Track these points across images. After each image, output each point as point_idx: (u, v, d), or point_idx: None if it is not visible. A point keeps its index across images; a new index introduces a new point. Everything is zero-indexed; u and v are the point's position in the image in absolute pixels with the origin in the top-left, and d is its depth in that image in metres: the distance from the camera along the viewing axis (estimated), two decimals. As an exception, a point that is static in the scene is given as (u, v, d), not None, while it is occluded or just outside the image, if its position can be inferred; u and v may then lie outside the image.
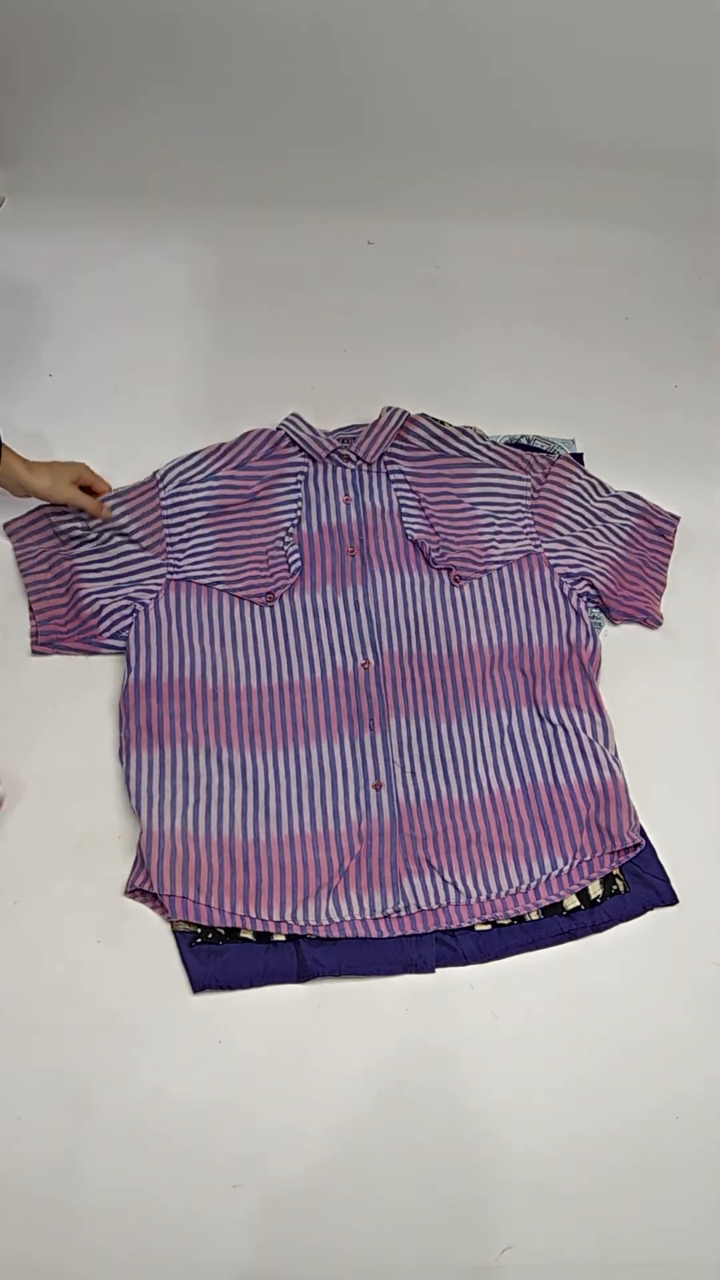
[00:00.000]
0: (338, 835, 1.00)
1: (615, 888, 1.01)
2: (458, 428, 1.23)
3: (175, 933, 0.96)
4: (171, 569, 1.12)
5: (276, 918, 0.96)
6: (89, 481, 1.14)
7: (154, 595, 1.10)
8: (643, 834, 1.04)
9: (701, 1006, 0.97)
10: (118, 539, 1.12)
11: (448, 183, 1.60)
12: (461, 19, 1.46)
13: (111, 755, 1.05)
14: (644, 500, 1.24)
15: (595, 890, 1.01)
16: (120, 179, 1.56)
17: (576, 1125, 0.91)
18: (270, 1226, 0.85)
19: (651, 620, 1.19)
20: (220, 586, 1.11)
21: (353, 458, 1.21)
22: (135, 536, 1.12)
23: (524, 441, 1.31)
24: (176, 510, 1.16)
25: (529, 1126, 0.90)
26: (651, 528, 1.23)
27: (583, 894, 1.00)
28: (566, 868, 1.01)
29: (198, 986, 0.93)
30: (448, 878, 0.99)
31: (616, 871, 1.02)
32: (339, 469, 1.21)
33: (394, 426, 1.22)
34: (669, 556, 1.23)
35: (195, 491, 1.17)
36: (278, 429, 1.22)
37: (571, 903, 1.00)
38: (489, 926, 0.99)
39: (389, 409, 1.23)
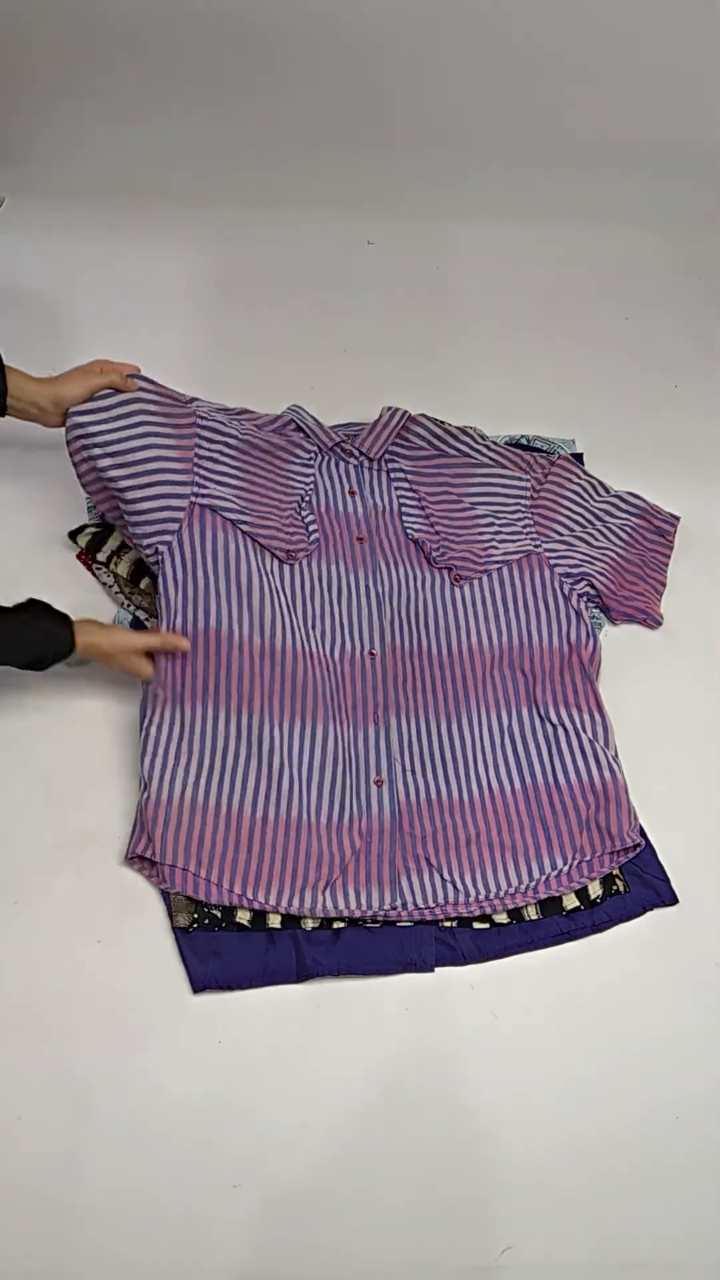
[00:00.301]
0: (339, 829, 1.00)
1: (615, 888, 1.01)
2: (458, 428, 1.24)
3: (175, 930, 0.96)
4: (198, 488, 1.08)
5: (273, 903, 0.95)
6: (110, 368, 1.09)
7: (178, 523, 1.05)
8: (642, 834, 1.04)
9: (701, 1007, 0.97)
10: (150, 438, 1.06)
11: (448, 183, 1.61)
12: (462, 20, 1.46)
13: (112, 755, 1.05)
14: (644, 500, 1.24)
15: (595, 890, 1.01)
16: (121, 179, 1.56)
17: (576, 1125, 0.91)
18: (270, 1226, 0.85)
19: (651, 620, 1.19)
20: (245, 528, 1.08)
21: (355, 454, 1.21)
22: (164, 433, 1.07)
23: (524, 441, 1.31)
24: (209, 429, 1.12)
25: (529, 1126, 0.90)
26: (651, 528, 1.23)
27: (582, 894, 1.00)
28: (566, 868, 1.01)
29: (198, 986, 0.93)
30: (446, 876, 0.99)
31: (616, 872, 1.02)
32: (342, 463, 1.21)
33: (396, 425, 1.22)
34: (669, 557, 1.23)
35: (226, 425, 1.14)
36: (283, 415, 1.22)
37: (571, 903, 1.00)
38: (487, 925, 0.99)
39: (389, 409, 1.23)
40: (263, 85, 1.53)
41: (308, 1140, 0.89)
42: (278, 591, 1.08)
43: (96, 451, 1.04)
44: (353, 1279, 0.84)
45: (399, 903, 0.97)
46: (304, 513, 1.14)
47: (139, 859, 0.97)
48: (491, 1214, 0.87)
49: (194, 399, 1.15)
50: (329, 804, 1.01)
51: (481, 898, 0.98)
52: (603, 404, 1.39)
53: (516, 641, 1.12)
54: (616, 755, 1.07)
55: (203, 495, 1.08)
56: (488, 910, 0.98)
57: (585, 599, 1.17)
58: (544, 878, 1.00)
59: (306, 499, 1.16)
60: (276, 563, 1.10)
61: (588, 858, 1.01)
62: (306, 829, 0.99)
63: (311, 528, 1.14)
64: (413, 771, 1.04)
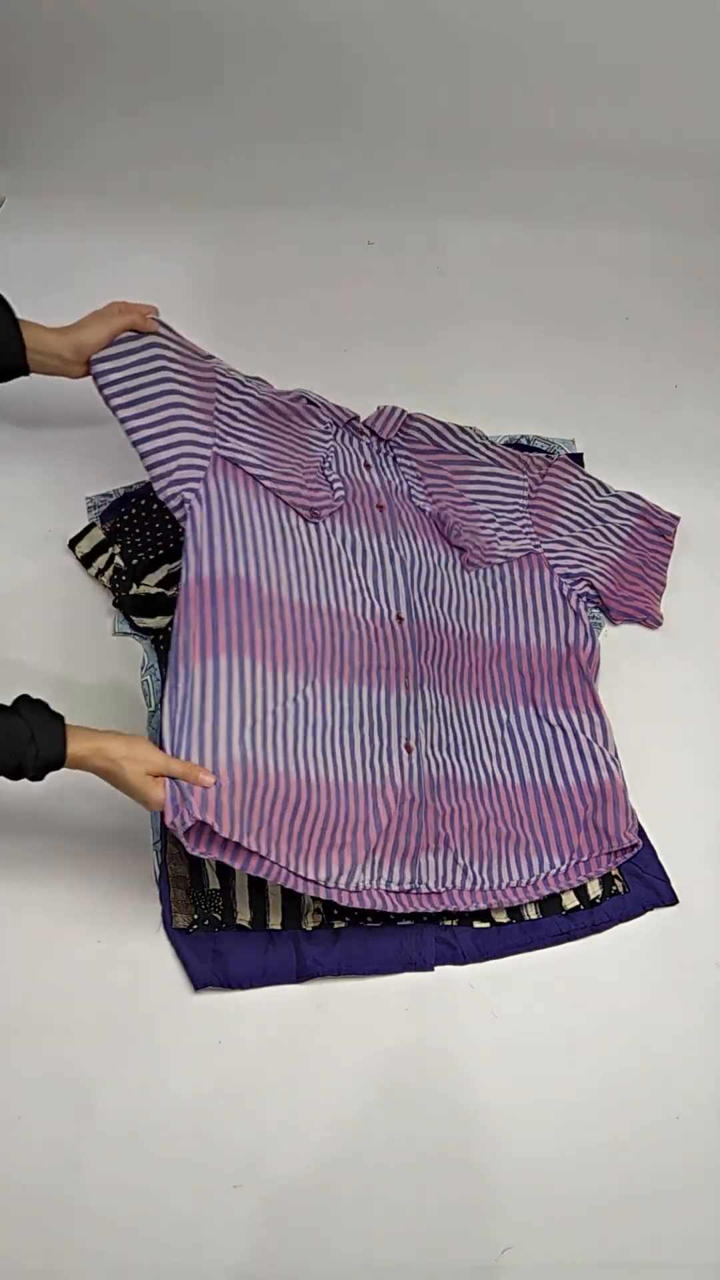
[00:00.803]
0: (374, 792, 0.97)
1: (615, 888, 1.01)
2: (456, 426, 1.24)
3: (175, 930, 0.96)
4: (219, 441, 1.04)
5: (311, 876, 0.90)
6: (128, 308, 1.04)
7: (203, 472, 1.01)
8: (642, 834, 1.04)
9: (701, 1007, 0.97)
10: (170, 383, 1.02)
11: (448, 183, 1.60)
12: (462, 19, 1.46)
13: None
14: (644, 500, 1.24)
15: (595, 890, 1.01)
16: (120, 179, 1.56)
17: (576, 1124, 0.91)
18: (270, 1226, 0.85)
19: (651, 620, 1.19)
20: (267, 484, 1.05)
21: (366, 432, 1.20)
22: (185, 379, 1.03)
23: (524, 441, 1.31)
24: (230, 388, 1.09)
25: (529, 1126, 0.90)
26: (651, 528, 1.23)
27: (582, 894, 1.00)
28: (564, 867, 1.01)
29: (199, 984, 0.93)
30: (460, 860, 0.98)
31: (615, 872, 1.02)
32: (355, 439, 1.20)
33: (398, 418, 1.22)
34: (669, 557, 1.23)
35: (245, 383, 1.11)
36: (293, 391, 1.18)
37: (571, 902, 1.00)
38: (487, 925, 0.99)
39: (384, 407, 1.23)
40: (263, 85, 1.53)
41: (308, 1140, 0.89)
42: (303, 548, 1.05)
43: (120, 400, 1.00)
44: (353, 1279, 0.84)
45: (416, 880, 0.96)
46: (328, 471, 1.12)
47: (191, 829, 0.85)
48: (491, 1214, 0.87)
49: (210, 356, 1.11)
50: (364, 765, 0.98)
51: (486, 887, 0.98)
52: (603, 404, 1.39)
53: (514, 640, 1.12)
54: (616, 755, 1.07)
55: (224, 448, 1.04)
56: (491, 903, 0.97)
57: (584, 599, 1.17)
58: (543, 875, 1.00)
59: (328, 461, 1.13)
60: (301, 520, 1.06)
61: (584, 858, 1.01)
62: (348, 792, 0.95)
63: (336, 485, 1.11)
64: (436, 746, 1.03)
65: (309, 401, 1.18)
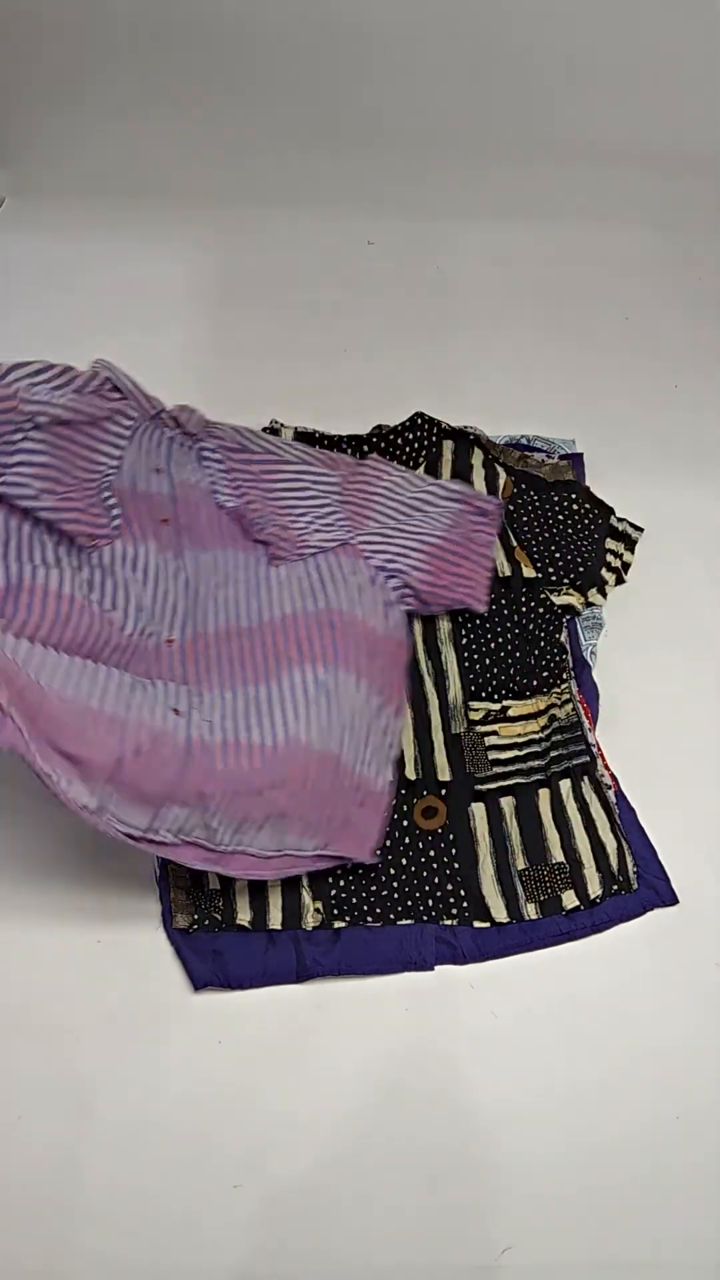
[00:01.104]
0: (131, 724, 0.91)
1: (615, 888, 1.01)
2: (260, 432, 1.18)
3: (175, 930, 0.96)
4: None
5: (47, 771, 0.84)
6: None
7: None
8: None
9: (701, 1007, 0.97)
10: None
11: (448, 183, 1.61)
12: (462, 19, 1.47)
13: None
14: (463, 486, 1.18)
15: (596, 890, 1.01)
16: (120, 179, 1.57)
17: (577, 1124, 0.91)
18: (270, 1226, 0.85)
19: (476, 602, 1.13)
20: (44, 514, 0.99)
21: (170, 424, 1.11)
22: None
23: (524, 441, 1.31)
24: (25, 403, 0.98)
25: (529, 1126, 0.90)
26: (473, 509, 1.17)
27: (583, 894, 1.00)
28: (309, 854, 0.96)
29: (199, 984, 0.93)
30: (210, 822, 0.92)
31: (615, 873, 1.02)
32: (156, 433, 1.11)
33: (201, 415, 1.14)
34: (493, 536, 1.17)
35: (42, 397, 1.00)
36: (93, 371, 1.07)
37: (571, 902, 1.00)
38: (487, 925, 0.99)
39: (187, 406, 1.15)
40: (263, 85, 1.53)
41: (308, 1140, 0.89)
42: (75, 570, 1.00)
43: None
44: (353, 1279, 0.84)
45: (151, 830, 0.90)
46: (105, 493, 1.05)
47: None
48: (491, 1214, 0.87)
49: (9, 368, 1.00)
50: (116, 700, 0.92)
51: (224, 847, 0.93)
52: (603, 404, 1.39)
53: (338, 606, 1.06)
54: (395, 762, 1.03)
55: None
56: (215, 868, 0.92)
57: (400, 593, 1.12)
58: (282, 852, 0.95)
59: (108, 476, 1.06)
60: (76, 548, 1.02)
61: (325, 850, 0.97)
62: (89, 717, 0.89)
63: (114, 511, 1.05)
64: (220, 716, 0.97)
65: (113, 386, 1.06)
